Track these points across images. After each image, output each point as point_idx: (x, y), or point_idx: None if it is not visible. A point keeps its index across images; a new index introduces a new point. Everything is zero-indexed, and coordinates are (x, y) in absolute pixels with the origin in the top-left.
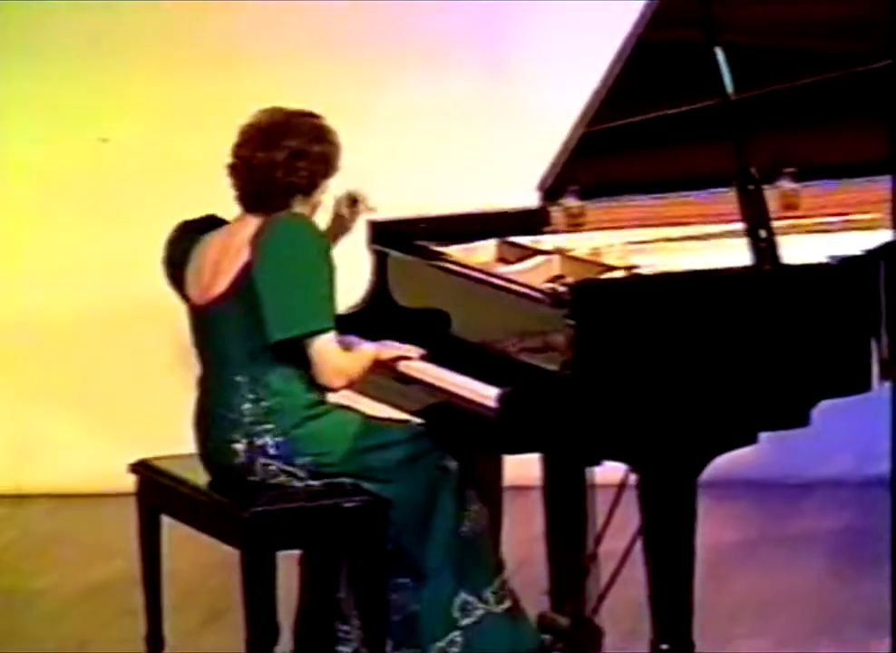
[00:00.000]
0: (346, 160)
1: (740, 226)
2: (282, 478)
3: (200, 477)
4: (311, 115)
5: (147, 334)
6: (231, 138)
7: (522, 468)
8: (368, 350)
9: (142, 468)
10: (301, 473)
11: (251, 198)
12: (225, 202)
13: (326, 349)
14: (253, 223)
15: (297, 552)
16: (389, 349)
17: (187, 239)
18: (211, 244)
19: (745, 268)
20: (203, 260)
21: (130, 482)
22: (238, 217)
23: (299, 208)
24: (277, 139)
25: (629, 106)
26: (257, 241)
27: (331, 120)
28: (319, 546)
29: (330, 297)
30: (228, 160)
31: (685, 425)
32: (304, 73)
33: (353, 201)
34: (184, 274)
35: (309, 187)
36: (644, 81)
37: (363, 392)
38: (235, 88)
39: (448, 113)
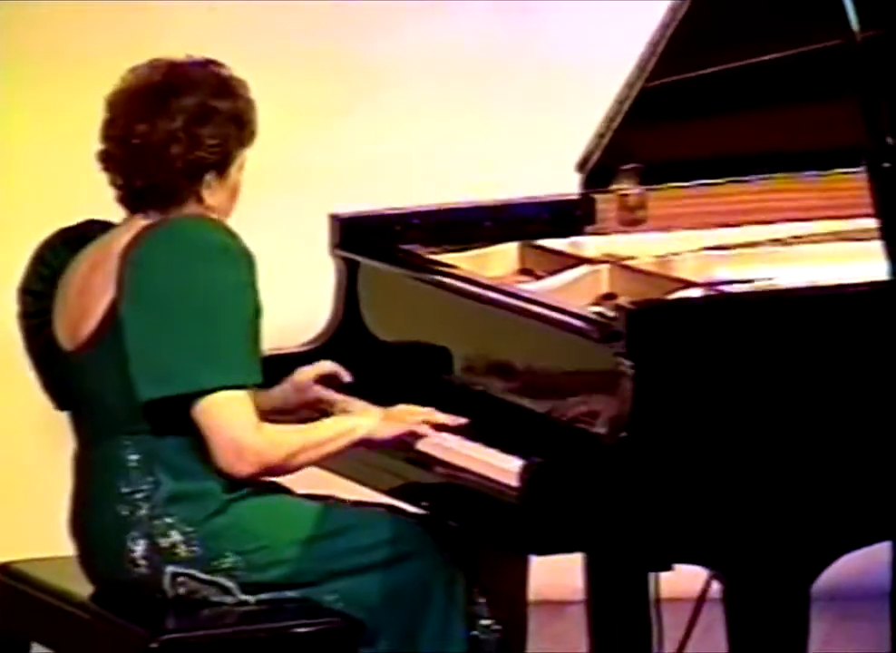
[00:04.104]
0: (314, 132)
1: (871, 222)
2: (203, 594)
3: (86, 588)
4: (208, 63)
5: (5, 388)
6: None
7: (557, 575)
8: (336, 426)
9: (2, 576)
10: (228, 584)
11: (139, 194)
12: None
13: (221, 414)
14: (132, 233)
15: None
16: (395, 420)
17: (56, 259)
18: (81, 266)
19: (880, 284)
20: (71, 288)
21: None
22: (122, 222)
23: (213, 197)
24: (165, 101)
25: (708, 50)
26: (124, 262)
27: (292, 77)
28: None
29: (243, 335)
30: (98, 146)
31: (793, 513)
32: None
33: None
34: (51, 308)
35: (223, 161)
36: (728, 15)
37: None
38: (156, 39)
39: (452, 65)
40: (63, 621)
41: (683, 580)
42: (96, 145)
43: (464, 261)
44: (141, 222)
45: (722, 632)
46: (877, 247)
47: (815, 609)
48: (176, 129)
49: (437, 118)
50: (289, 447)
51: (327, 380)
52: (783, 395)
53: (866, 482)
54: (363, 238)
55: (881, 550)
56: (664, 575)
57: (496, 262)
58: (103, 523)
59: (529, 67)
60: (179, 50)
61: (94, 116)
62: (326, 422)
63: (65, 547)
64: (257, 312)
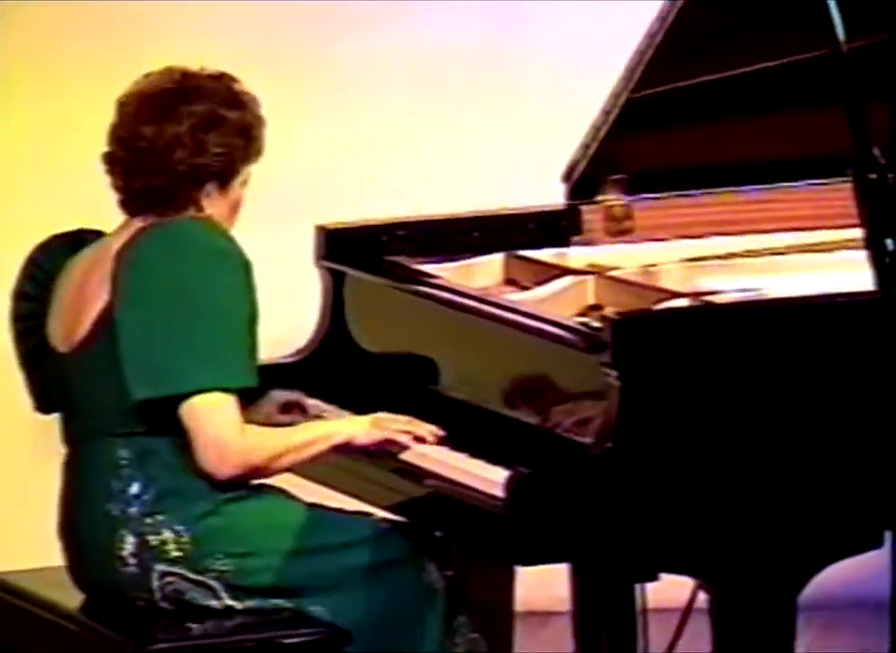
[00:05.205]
0: (298, 140)
1: (857, 232)
2: (190, 595)
3: (76, 598)
4: (222, 75)
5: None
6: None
7: (543, 586)
8: (316, 430)
9: None
10: (215, 585)
11: (139, 197)
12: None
13: (206, 416)
14: (128, 234)
15: None
16: (376, 427)
17: (50, 263)
18: (77, 269)
19: (865, 294)
20: (66, 291)
21: None
22: (120, 226)
23: (213, 207)
24: (175, 106)
25: (695, 60)
26: (119, 262)
27: (268, 89)
28: None
29: (236, 338)
30: (105, 148)
31: (780, 522)
32: (233, 21)
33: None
34: (46, 312)
35: (226, 173)
36: (715, 25)
37: (304, 474)
38: (138, 48)
39: (436, 74)
40: (47, 631)
41: (669, 591)
42: (94, 145)
43: (450, 272)
44: (138, 224)
45: (708, 642)
46: (863, 257)
47: (801, 618)
48: (182, 133)
49: (422, 128)
50: (272, 450)
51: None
52: (769, 406)
53: (853, 492)
54: (349, 249)
55: (868, 559)
56: (650, 585)
57: (482, 273)
58: (93, 522)
59: (513, 75)
60: (170, 51)
61: (93, 116)
62: (308, 425)
63: (51, 558)
64: (252, 317)
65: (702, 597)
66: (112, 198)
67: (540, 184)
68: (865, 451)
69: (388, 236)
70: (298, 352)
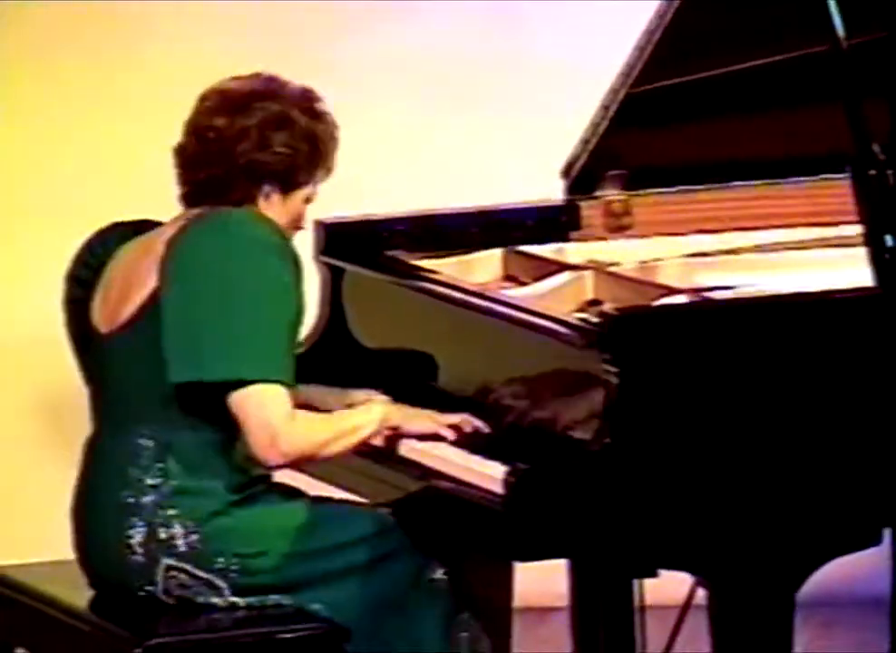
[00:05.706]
0: None
1: (856, 229)
2: (194, 591)
3: (77, 593)
4: (306, 89)
5: (6, 382)
6: (141, 123)
7: (542, 582)
8: (366, 415)
9: None
10: (221, 584)
11: (200, 188)
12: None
13: (258, 404)
14: (181, 222)
15: None
16: (422, 420)
17: (104, 249)
18: (128, 254)
19: (865, 291)
20: (115, 275)
21: None
22: (175, 216)
23: (271, 210)
24: (250, 102)
25: (693, 56)
26: (170, 248)
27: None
28: None
29: (284, 333)
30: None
31: (778, 518)
32: (241, 19)
33: None
34: (92, 297)
35: (288, 176)
36: (713, 21)
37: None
38: (138, 48)
39: (436, 74)
40: (46, 625)
41: (668, 587)
42: (94, 144)
43: (449, 267)
44: (191, 213)
45: (706, 639)
46: (861, 253)
47: (799, 615)
48: (249, 126)
49: (422, 128)
50: (323, 437)
51: None
52: (767, 402)
53: (851, 489)
54: (347, 245)
55: (867, 556)
56: (648, 581)
57: (481, 268)
58: (107, 507)
59: (513, 71)
60: (170, 51)
61: (93, 115)
62: (357, 410)
63: (52, 552)
64: (298, 316)
65: (700, 593)
66: (111, 197)
67: (539, 182)
68: (864, 448)
69: (387, 231)
70: (296, 346)
